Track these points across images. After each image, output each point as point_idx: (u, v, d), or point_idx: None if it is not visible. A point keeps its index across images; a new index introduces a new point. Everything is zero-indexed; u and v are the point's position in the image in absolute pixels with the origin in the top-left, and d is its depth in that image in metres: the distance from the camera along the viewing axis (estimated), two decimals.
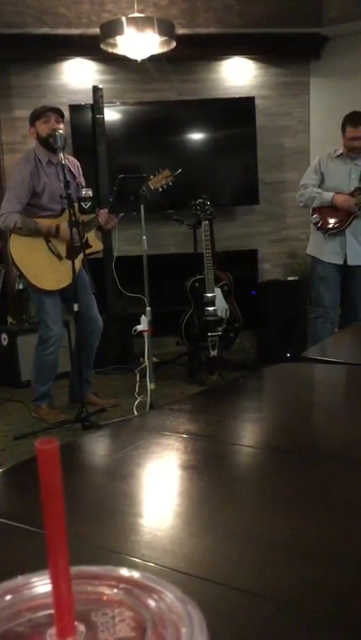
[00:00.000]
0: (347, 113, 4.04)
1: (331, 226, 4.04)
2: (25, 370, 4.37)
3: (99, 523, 0.72)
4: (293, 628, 0.51)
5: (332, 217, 4.03)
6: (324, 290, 4.12)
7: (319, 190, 4.07)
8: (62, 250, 3.58)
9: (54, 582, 0.28)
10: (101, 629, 0.29)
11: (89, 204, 3.42)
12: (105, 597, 0.31)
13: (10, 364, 4.59)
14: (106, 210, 3.65)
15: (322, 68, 5.43)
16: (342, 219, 4.01)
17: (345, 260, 4.04)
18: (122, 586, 0.31)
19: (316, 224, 4.11)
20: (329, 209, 4.05)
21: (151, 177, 3.71)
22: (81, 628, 0.29)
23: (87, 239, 3.59)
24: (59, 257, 3.58)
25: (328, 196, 4.02)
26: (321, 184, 4.11)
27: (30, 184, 3.51)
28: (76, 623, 0.29)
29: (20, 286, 4.80)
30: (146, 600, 0.30)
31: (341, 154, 4.06)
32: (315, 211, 4.11)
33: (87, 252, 3.61)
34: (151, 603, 0.29)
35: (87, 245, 3.57)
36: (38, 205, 3.57)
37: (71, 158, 3.77)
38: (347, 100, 5.02)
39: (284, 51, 5.33)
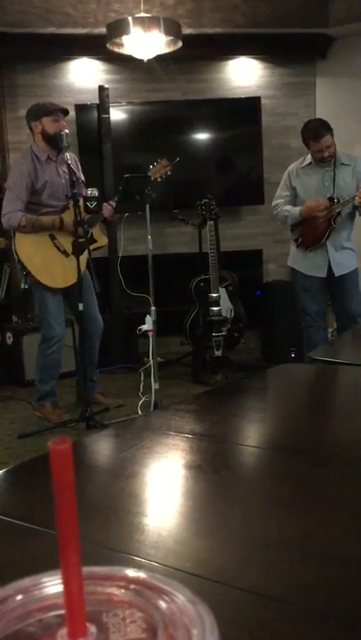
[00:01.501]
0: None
1: (311, 243, 3.90)
2: (29, 369, 4.37)
3: (103, 522, 0.72)
4: (300, 629, 0.51)
5: (311, 233, 3.87)
6: (310, 300, 4.00)
7: (287, 209, 3.92)
8: (68, 247, 3.58)
9: (66, 582, 0.28)
10: (112, 630, 0.29)
11: (94, 203, 3.41)
12: (115, 598, 0.31)
13: (15, 362, 4.59)
14: (111, 203, 3.64)
15: (328, 68, 5.42)
16: (322, 233, 3.85)
17: (330, 272, 3.91)
18: (132, 587, 0.31)
19: (296, 241, 3.99)
20: (307, 225, 3.89)
21: (150, 167, 3.72)
22: (92, 628, 0.29)
23: (92, 234, 3.59)
24: (65, 254, 3.58)
25: (295, 212, 3.86)
26: (295, 198, 3.95)
27: (29, 182, 3.50)
28: (87, 624, 0.29)
29: (25, 285, 4.80)
30: (156, 601, 0.30)
31: (310, 162, 3.90)
32: (293, 227, 3.98)
33: (92, 247, 3.60)
34: (162, 604, 0.29)
35: (92, 240, 3.57)
36: (39, 203, 3.56)
37: (70, 153, 3.74)
38: (353, 100, 5.02)
39: (291, 51, 5.32)
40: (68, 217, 3.53)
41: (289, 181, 3.98)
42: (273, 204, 4.06)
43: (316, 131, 3.76)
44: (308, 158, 3.92)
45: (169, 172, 3.75)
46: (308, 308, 4.02)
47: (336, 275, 3.92)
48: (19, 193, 3.49)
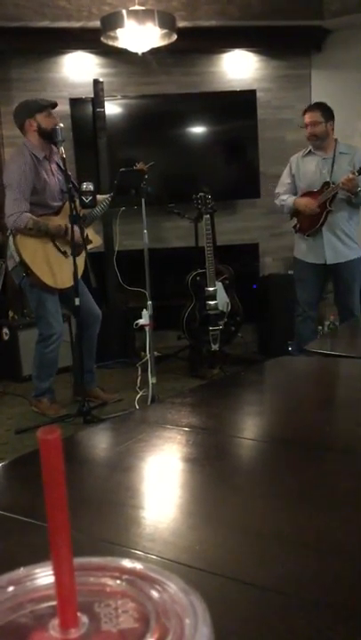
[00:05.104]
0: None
1: (308, 227, 4.00)
2: (26, 364, 4.37)
3: (100, 515, 0.72)
4: (295, 619, 0.51)
5: (307, 218, 3.99)
6: (301, 289, 4.12)
7: (284, 198, 4.05)
8: (68, 248, 3.56)
9: (57, 573, 0.28)
10: (104, 620, 0.29)
11: (90, 197, 3.40)
12: (108, 589, 0.30)
13: (11, 358, 4.59)
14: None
15: (323, 60, 5.41)
16: (316, 218, 3.95)
17: (325, 260, 4.00)
18: (125, 577, 0.31)
19: (294, 227, 4.11)
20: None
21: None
22: (84, 619, 0.29)
23: (87, 235, 3.58)
24: (65, 254, 3.56)
25: (290, 202, 4.01)
26: (295, 185, 4.10)
27: (31, 181, 3.45)
28: (78, 614, 0.29)
29: (17, 281, 4.77)
30: (149, 591, 0.29)
31: (310, 151, 4.04)
32: (292, 215, 4.10)
33: (88, 247, 3.60)
34: (154, 594, 0.29)
35: (88, 241, 3.56)
36: (39, 203, 3.51)
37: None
38: (348, 92, 5.01)
39: (286, 43, 5.30)
40: (64, 218, 3.51)
41: (290, 169, 4.13)
42: (276, 191, 4.19)
43: (309, 106, 4.01)
44: (309, 147, 4.04)
45: (146, 176, 3.74)
46: (299, 297, 4.15)
47: (329, 262, 3.99)
48: (23, 192, 3.42)
